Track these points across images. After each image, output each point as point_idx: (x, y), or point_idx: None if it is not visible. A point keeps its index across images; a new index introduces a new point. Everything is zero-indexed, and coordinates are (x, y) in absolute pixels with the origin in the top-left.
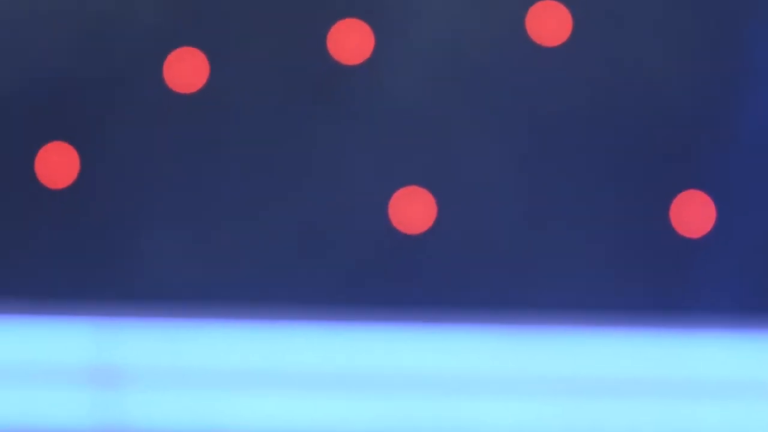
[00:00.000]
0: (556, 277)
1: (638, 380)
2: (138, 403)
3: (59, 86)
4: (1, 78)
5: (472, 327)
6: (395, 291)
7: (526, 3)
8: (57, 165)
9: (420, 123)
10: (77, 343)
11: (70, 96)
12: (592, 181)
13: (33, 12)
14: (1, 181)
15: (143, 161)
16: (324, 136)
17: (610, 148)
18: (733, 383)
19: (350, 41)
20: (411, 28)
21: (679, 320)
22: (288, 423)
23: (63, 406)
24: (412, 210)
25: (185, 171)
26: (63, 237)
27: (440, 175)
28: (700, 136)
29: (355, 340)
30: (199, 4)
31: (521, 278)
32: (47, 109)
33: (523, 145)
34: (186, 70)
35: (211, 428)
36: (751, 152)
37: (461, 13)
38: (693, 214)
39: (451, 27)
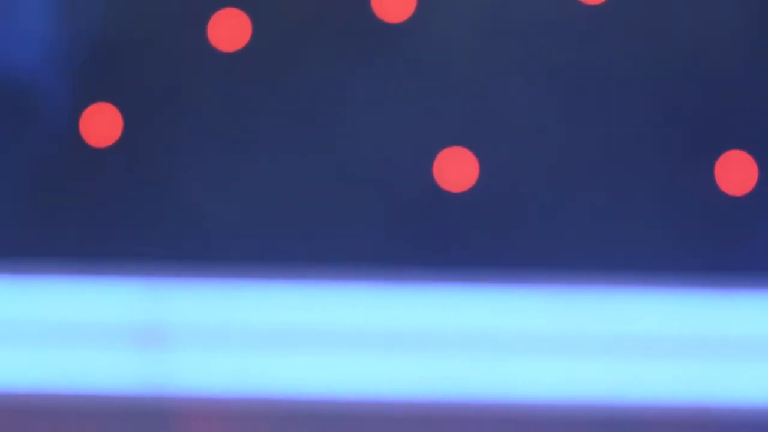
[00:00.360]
0: (599, 236)
1: (682, 340)
2: (185, 364)
3: (103, 48)
4: (45, 41)
5: (514, 286)
6: (437, 249)
7: None
8: (101, 125)
9: (463, 81)
10: (124, 304)
11: (114, 57)
12: (636, 140)
13: None
14: (47, 142)
15: (187, 120)
16: (366, 94)
17: (655, 109)
18: None
19: None
20: None
21: (724, 279)
22: (332, 383)
23: (110, 367)
24: (455, 169)
25: (228, 130)
26: (108, 197)
27: (483, 134)
28: (744, 98)
29: (398, 300)
30: None
31: (563, 238)
32: (91, 71)
33: (566, 105)
34: (229, 29)
35: (257, 388)
36: None
37: None
38: (736, 173)
39: None
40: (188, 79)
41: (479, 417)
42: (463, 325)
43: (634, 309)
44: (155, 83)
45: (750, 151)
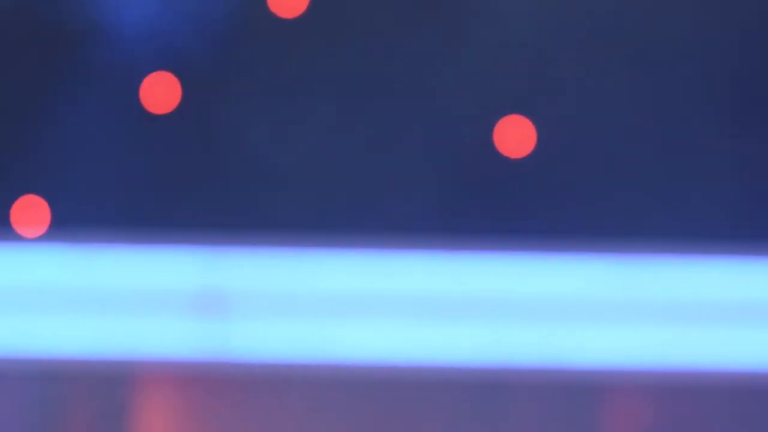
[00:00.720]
0: (654, 203)
1: (740, 306)
2: (244, 331)
3: (163, 18)
4: (109, 12)
5: (569, 253)
6: (497, 217)
7: None
8: (160, 93)
9: (521, 50)
10: (184, 272)
11: (173, 27)
12: (698, 106)
13: None
14: (108, 110)
15: (245, 88)
16: (425, 62)
17: (716, 78)
18: None
19: None
20: None
21: None
22: (390, 349)
23: (171, 334)
24: (514, 136)
25: (287, 98)
26: (167, 165)
27: (541, 102)
28: None
29: (457, 267)
30: None
31: (619, 204)
32: (151, 41)
33: (623, 75)
34: None
35: (314, 355)
36: None
37: None
38: None
39: None
40: (247, 46)
41: (534, 383)
42: (524, 292)
43: (692, 276)
44: (214, 51)
45: None
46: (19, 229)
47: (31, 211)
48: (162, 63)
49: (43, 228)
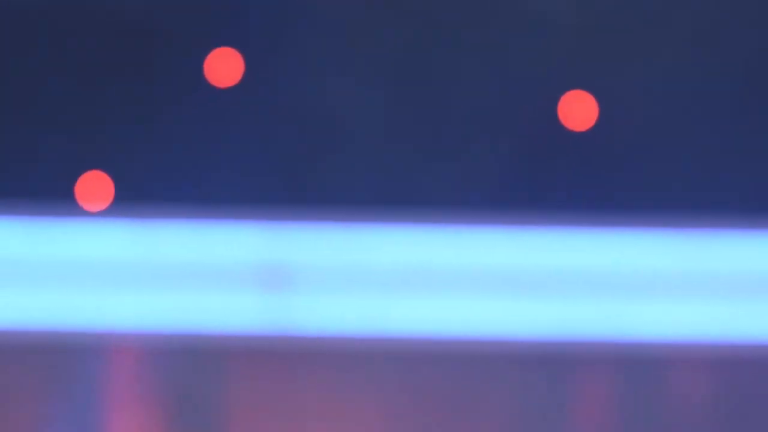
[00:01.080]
0: (718, 177)
1: None
2: (307, 304)
3: None
4: None
5: (634, 227)
6: (562, 190)
7: None
8: (224, 67)
9: (582, 25)
10: (248, 246)
11: (237, 3)
12: (752, 80)
13: None
14: (173, 85)
15: (307, 60)
16: (494, 39)
17: None
18: None
19: None
20: None
21: None
22: (453, 322)
23: (234, 307)
24: (577, 110)
25: (346, 70)
26: (232, 139)
27: (604, 79)
28: None
29: (519, 239)
30: None
31: (680, 178)
32: (214, 18)
33: (685, 52)
34: None
35: (376, 328)
36: None
37: None
38: None
39: None
40: (306, 18)
41: (594, 357)
42: (580, 264)
43: (764, 248)
44: (276, 28)
45: None
46: (84, 204)
47: (95, 186)
48: (225, 38)
49: (107, 203)
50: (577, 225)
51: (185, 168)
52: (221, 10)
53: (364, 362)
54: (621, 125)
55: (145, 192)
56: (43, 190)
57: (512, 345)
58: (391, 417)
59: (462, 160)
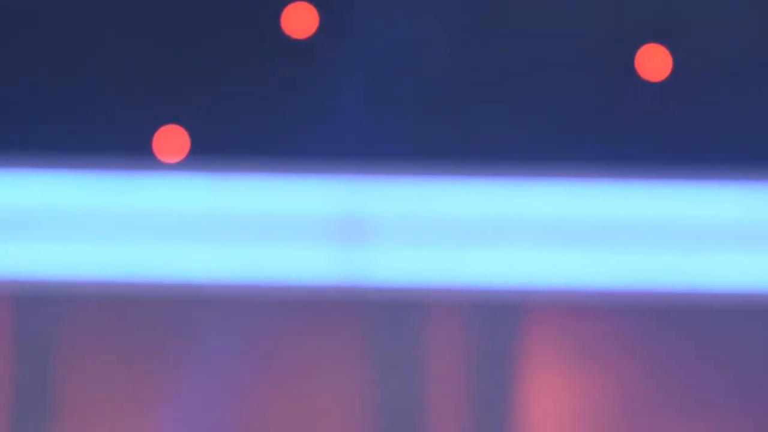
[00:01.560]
0: None
1: None
2: (383, 257)
3: None
4: None
5: (707, 179)
6: (638, 141)
7: None
8: (299, 19)
9: None
10: (325, 199)
11: None
12: None
13: None
14: (249, 38)
15: (382, 14)
16: None
17: None
18: None
19: None
20: None
21: None
22: (523, 274)
23: (312, 260)
24: (653, 61)
25: (422, 23)
26: (309, 92)
27: (678, 29)
28: None
29: (595, 191)
30: None
31: (753, 130)
32: None
33: (761, 3)
34: None
35: (452, 282)
36: None
37: None
38: None
39: None
40: None
41: (669, 307)
42: (654, 216)
43: None
44: None
45: None
46: (161, 158)
47: (172, 140)
48: None
49: (183, 156)
50: (653, 177)
51: (263, 121)
52: None
53: (441, 313)
54: (697, 76)
55: (223, 146)
56: (121, 145)
57: (586, 295)
58: (468, 367)
59: (539, 112)
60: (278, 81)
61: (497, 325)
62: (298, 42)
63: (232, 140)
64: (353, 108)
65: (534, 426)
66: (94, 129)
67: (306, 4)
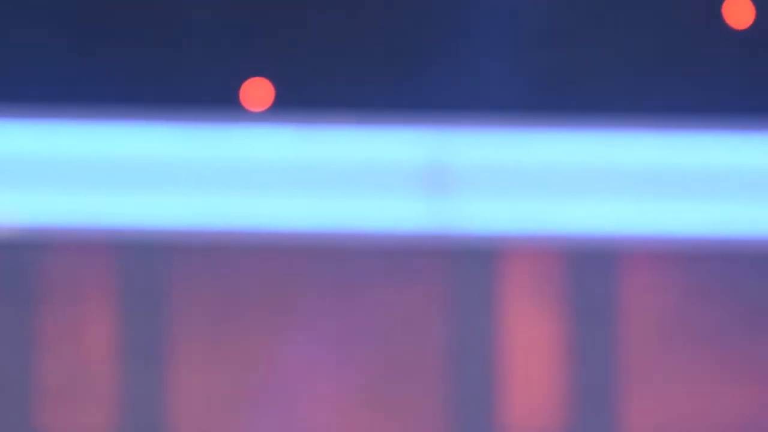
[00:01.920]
0: None
1: None
2: (468, 207)
3: None
4: None
5: None
6: (718, 88)
7: None
8: None
9: None
10: (411, 149)
11: None
12: None
13: None
14: None
15: None
16: None
17: None
18: None
19: None
20: None
21: None
22: (612, 223)
23: (401, 210)
24: (737, 11)
25: None
26: (395, 45)
27: None
28: None
29: (684, 140)
30: None
31: None
32: None
33: None
34: None
35: (536, 229)
36: None
37: None
38: None
39: None
40: None
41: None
42: (742, 165)
43: None
44: None
45: None
46: (249, 108)
47: (258, 91)
48: None
49: (269, 107)
50: (739, 125)
51: (350, 74)
52: None
53: (524, 261)
54: None
55: (310, 97)
56: (209, 96)
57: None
58: (553, 310)
59: (621, 60)
60: (364, 33)
61: (586, 272)
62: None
63: (320, 92)
64: (442, 60)
65: (633, 373)
66: (184, 82)
67: None
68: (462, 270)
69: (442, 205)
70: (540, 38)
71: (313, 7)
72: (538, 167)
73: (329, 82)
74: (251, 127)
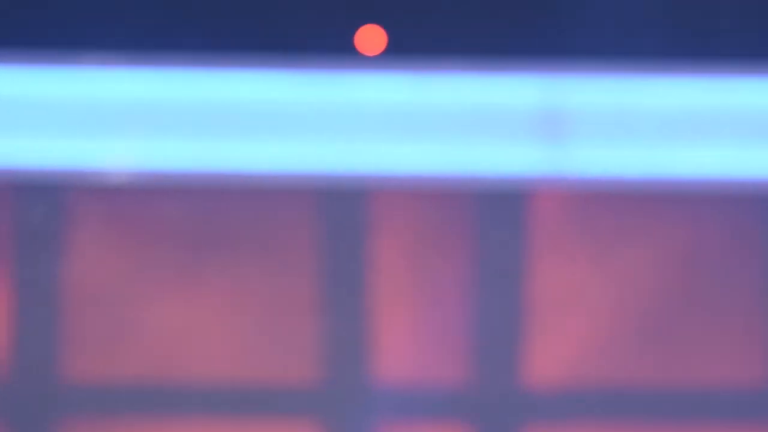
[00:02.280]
0: None
1: None
2: (582, 153)
3: None
4: None
5: None
6: None
7: None
8: None
9: None
10: (523, 95)
11: None
12: None
13: None
14: None
15: None
16: None
17: None
18: None
19: None
20: None
21: None
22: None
23: (513, 155)
24: None
25: None
26: None
27: None
28: None
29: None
30: None
31: None
32: None
33: None
34: None
35: (648, 174)
36: None
37: None
38: None
39: None
40: None
41: None
42: None
43: None
44: None
45: None
46: (363, 53)
47: (371, 38)
48: None
49: (382, 53)
50: None
51: (462, 21)
52: None
53: (638, 206)
54: None
55: (422, 44)
56: (321, 43)
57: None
58: (669, 257)
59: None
60: None
61: (700, 215)
62: None
63: (432, 41)
64: (550, 6)
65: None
66: (297, 30)
67: None
68: (576, 213)
69: (557, 151)
70: None
71: None
72: (652, 112)
73: (445, 29)
74: (369, 73)
